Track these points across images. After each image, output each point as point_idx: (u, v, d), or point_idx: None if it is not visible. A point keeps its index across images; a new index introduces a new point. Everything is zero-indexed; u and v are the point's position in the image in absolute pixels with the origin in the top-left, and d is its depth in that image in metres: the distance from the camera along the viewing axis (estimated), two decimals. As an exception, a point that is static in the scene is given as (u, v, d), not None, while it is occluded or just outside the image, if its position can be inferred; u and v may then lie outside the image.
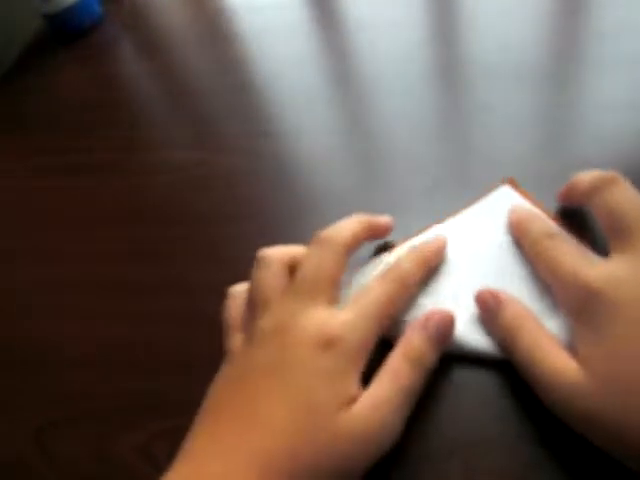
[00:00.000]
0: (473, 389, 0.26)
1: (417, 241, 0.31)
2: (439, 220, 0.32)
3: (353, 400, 0.23)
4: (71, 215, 0.40)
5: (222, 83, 0.48)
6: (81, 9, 0.58)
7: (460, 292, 0.28)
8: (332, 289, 0.26)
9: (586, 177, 0.27)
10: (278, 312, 0.25)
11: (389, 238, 0.32)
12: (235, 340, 0.27)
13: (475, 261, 0.30)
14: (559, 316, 0.26)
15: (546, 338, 0.24)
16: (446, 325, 0.26)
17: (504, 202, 0.32)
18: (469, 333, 0.27)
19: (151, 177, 0.41)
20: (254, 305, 0.26)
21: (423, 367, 0.24)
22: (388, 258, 0.30)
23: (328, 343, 0.23)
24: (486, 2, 0.47)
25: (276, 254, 0.27)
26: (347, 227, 0.28)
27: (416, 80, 0.42)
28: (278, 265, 0.27)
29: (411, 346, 0.24)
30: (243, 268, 0.33)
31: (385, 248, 0.31)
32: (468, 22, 0.46)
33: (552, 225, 0.28)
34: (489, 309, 0.26)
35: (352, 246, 0.27)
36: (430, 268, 0.29)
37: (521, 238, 0.29)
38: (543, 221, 0.28)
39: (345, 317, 0.24)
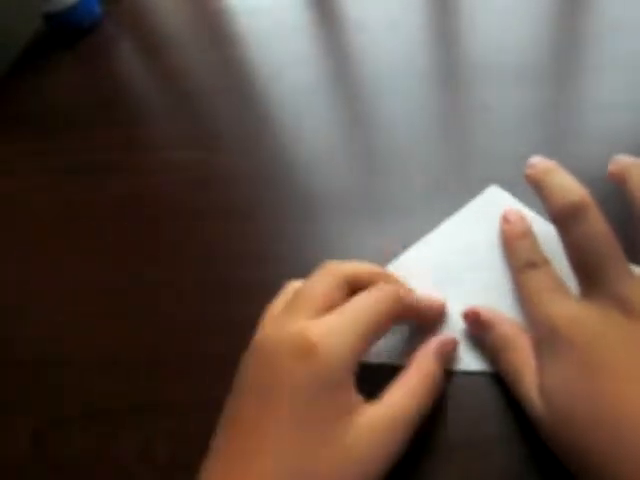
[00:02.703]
0: (472, 389, 0.26)
1: (405, 258, 0.31)
2: (438, 221, 0.32)
3: (354, 409, 0.22)
4: (71, 215, 0.40)
5: (222, 83, 0.48)
6: (81, 9, 0.58)
7: (456, 305, 0.28)
8: (321, 308, 0.24)
9: (559, 200, 0.24)
10: (261, 329, 0.25)
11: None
12: None
13: (470, 270, 0.30)
14: None
15: (522, 364, 0.24)
16: (454, 349, 0.27)
17: (495, 202, 0.32)
18: (465, 352, 0.27)
19: (151, 177, 0.41)
20: None
21: (436, 388, 0.24)
22: None
23: (307, 352, 0.22)
24: (485, 2, 0.47)
25: (297, 282, 0.27)
26: (352, 263, 0.27)
27: (416, 80, 0.42)
28: (291, 290, 0.27)
29: (427, 367, 0.24)
30: (243, 267, 0.33)
31: None
32: (468, 22, 0.46)
33: (538, 250, 0.28)
34: (475, 331, 0.27)
35: (353, 279, 0.26)
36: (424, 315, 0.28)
37: (509, 256, 0.29)
38: (530, 244, 0.28)
39: (325, 322, 0.23)
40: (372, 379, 0.23)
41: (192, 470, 0.26)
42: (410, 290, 0.28)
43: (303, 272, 0.32)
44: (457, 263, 0.30)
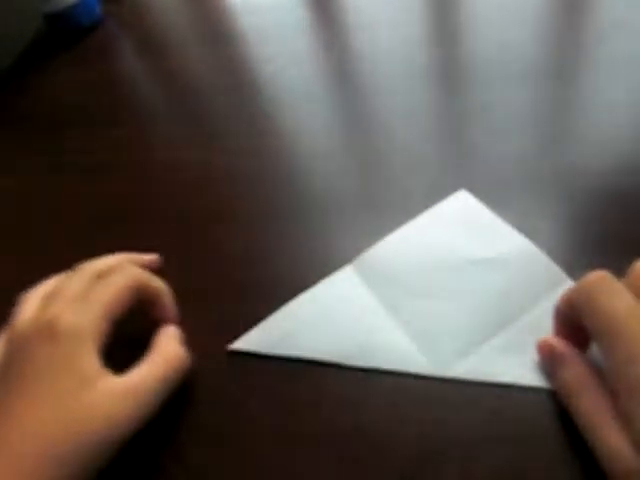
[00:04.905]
0: (470, 390, 0.26)
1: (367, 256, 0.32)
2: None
3: (98, 378, 0.25)
4: (71, 215, 0.40)
5: (222, 83, 0.48)
6: (81, 9, 0.58)
7: (417, 307, 0.29)
8: (76, 300, 0.27)
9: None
10: (19, 316, 0.28)
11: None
12: None
13: (431, 271, 0.30)
14: (503, 334, 0.27)
15: (602, 412, 0.22)
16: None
17: (461, 206, 0.32)
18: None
19: (151, 177, 0.41)
20: None
21: (180, 367, 0.27)
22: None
23: (50, 334, 0.25)
24: (486, 2, 0.47)
25: (33, 291, 0.30)
26: (103, 259, 0.31)
27: (416, 80, 0.42)
28: (35, 297, 0.29)
29: (171, 350, 0.28)
30: (243, 267, 0.33)
31: None
32: (468, 22, 0.46)
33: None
34: (548, 366, 0.25)
35: (105, 272, 0.29)
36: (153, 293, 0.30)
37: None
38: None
39: (68, 308, 0.26)
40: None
41: (190, 467, 0.26)
42: (151, 276, 0.30)
43: (302, 272, 0.32)
44: (416, 270, 0.30)
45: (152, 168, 0.42)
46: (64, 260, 0.38)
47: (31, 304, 0.28)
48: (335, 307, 0.30)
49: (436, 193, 0.34)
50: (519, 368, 0.26)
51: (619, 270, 0.23)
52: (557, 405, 0.24)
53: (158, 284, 0.30)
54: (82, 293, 0.27)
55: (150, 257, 0.33)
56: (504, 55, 0.42)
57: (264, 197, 0.37)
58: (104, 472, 0.24)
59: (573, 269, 0.28)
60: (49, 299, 0.27)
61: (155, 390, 0.26)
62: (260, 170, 0.39)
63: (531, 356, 0.26)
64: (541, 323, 0.26)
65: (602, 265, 0.23)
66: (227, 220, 0.37)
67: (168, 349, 0.28)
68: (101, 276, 0.28)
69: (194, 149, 0.42)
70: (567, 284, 0.28)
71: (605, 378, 0.22)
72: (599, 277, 0.23)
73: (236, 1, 0.57)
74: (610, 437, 0.21)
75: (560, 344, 0.25)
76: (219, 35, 0.54)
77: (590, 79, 0.38)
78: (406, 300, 0.29)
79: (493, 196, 0.33)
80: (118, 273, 0.28)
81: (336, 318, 0.29)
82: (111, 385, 0.25)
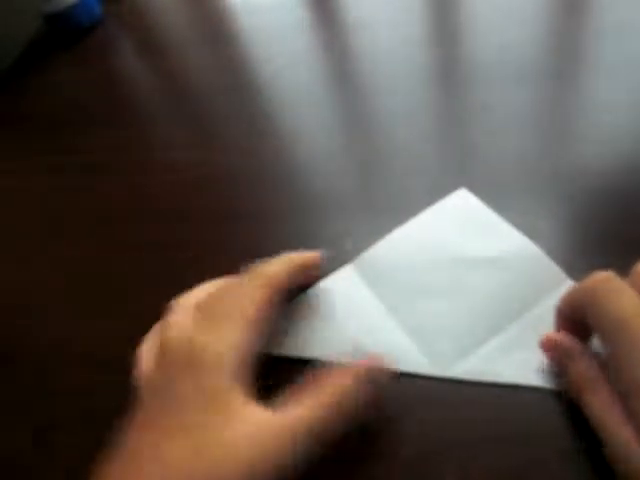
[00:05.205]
0: (470, 390, 0.26)
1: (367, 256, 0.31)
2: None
3: (241, 412, 0.22)
4: (70, 215, 0.40)
5: (222, 83, 0.48)
6: (81, 9, 0.58)
7: (418, 307, 0.29)
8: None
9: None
10: (172, 327, 0.25)
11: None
12: None
13: (431, 270, 0.30)
14: (503, 334, 0.27)
15: (614, 410, 0.21)
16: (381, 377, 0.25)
17: (462, 205, 0.32)
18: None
19: (151, 177, 0.41)
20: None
21: (350, 408, 0.23)
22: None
23: (192, 362, 0.22)
24: (486, 2, 0.47)
25: (184, 299, 0.27)
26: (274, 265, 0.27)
27: (416, 80, 0.42)
28: (184, 309, 0.26)
29: (343, 387, 0.23)
30: (243, 267, 0.33)
31: None
32: (468, 22, 0.46)
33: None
34: (555, 361, 0.25)
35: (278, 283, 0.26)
36: (299, 272, 0.28)
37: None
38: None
39: (209, 332, 0.23)
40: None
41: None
42: (281, 263, 0.27)
43: (303, 272, 0.32)
44: (414, 264, 0.30)
45: (152, 168, 0.42)
46: (64, 260, 0.38)
47: (184, 317, 0.25)
48: (335, 307, 0.30)
49: (436, 193, 0.34)
50: (519, 368, 0.26)
51: (619, 270, 0.23)
52: (558, 404, 0.24)
53: (288, 269, 0.27)
54: (227, 311, 0.24)
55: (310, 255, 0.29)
56: (504, 55, 0.42)
57: (264, 197, 0.37)
58: None
59: (573, 269, 0.28)
60: (202, 317, 0.25)
61: (307, 433, 0.21)
62: (260, 170, 0.39)
63: (531, 356, 0.26)
64: (541, 323, 0.26)
65: (602, 265, 0.23)
66: (227, 220, 0.37)
67: (338, 386, 0.23)
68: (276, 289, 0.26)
69: (194, 149, 0.42)
70: (567, 284, 0.28)
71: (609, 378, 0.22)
72: (605, 277, 0.22)
73: (236, 1, 0.57)
74: (626, 437, 0.20)
75: (567, 339, 0.24)
76: (219, 35, 0.54)
77: (590, 79, 0.38)
78: (406, 300, 0.29)
79: (493, 196, 0.33)
80: (250, 282, 0.26)
81: (336, 318, 0.29)
82: (254, 422, 0.22)
